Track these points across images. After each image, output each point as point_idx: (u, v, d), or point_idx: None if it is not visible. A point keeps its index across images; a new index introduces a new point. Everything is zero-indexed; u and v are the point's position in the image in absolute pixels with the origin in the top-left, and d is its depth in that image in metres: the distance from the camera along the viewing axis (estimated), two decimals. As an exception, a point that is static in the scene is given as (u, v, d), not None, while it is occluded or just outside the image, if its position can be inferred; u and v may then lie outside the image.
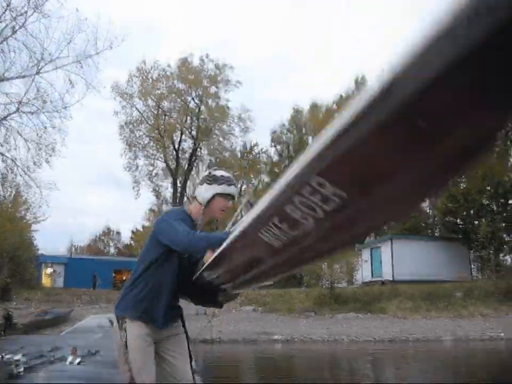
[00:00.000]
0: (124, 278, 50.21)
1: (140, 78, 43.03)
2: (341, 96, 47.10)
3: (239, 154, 53.28)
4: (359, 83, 46.24)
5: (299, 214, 1.49)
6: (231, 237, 2.33)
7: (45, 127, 22.46)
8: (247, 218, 1.99)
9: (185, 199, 48.42)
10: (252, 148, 55.02)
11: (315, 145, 1.26)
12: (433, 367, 14.48)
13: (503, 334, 21.23)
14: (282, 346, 19.66)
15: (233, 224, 3.05)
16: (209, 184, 3.26)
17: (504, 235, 36.51)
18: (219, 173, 3.32)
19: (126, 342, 3.10)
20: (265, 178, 55.25)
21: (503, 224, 35.79)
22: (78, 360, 8.40)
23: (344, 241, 1.84)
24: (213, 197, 3.25)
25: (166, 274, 3.23)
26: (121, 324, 3.15)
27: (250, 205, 3.47)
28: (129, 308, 3.17)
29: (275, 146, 53.74)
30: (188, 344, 3.46)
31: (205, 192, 3.26)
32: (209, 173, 3.31)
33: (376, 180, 1.22)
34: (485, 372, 13.43)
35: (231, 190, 3.31)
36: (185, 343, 3.38)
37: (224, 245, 2.43)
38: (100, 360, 8.99)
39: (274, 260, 2.13)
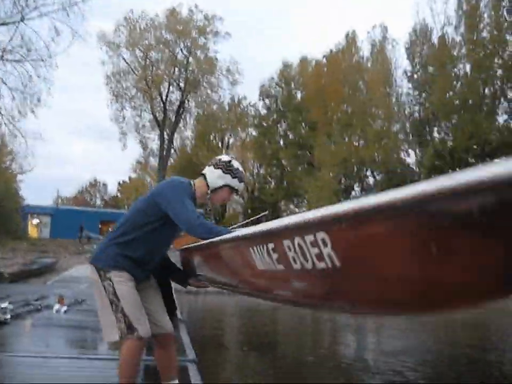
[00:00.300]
0: (110, 229, 50.28)
1: (128, 27, 42.21)
2: (331, 50, 46.50)
3: (227, 107, 52.79)
4: (349, 38, 45.65)
5: (291, 254, 1.57)
6: (226, 236, 2.44)
7: (30, 76, 22.13)
8: (249, 229, 2.11)
9: (172, 150, 48.15)
10: (240, 101, 54.46)
11: (344, 206, 1.33)
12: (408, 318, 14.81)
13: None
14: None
15: (239, 226, 3.13)
16: (224, 172, 3.29)
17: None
18: (236, 164, 3.35)
19: (114, 291, 3.07)
20: (253, 132, 54.93)
21: (488, 183, 36.10)
22: (64, 308, 8.50)
23: (309, 302, 1.90)
24: (222, 186, 3.30)
25: (161, 239, 3.26)
26: (104, 274, 3.12)
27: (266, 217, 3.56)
28: (116, 260, 3.13)
29: (263, 100, 53.24)
30: (172, 294, 3.52)
31: (217, 178, 3.29)
32: (229, 162, 3.33)
33: (370, 271, 1.29)
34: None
35: (241, 186, 3.38)
36: (159, 292, 3.43)
37: (218, 239, 2.51)
38: (86, 308, 9.10)
39: (248, 279, 2.22)
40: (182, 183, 3.29)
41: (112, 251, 3.17)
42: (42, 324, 7.39)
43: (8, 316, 7.16)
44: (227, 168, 3.29)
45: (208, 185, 3.30)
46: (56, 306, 8.52)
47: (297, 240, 1.50)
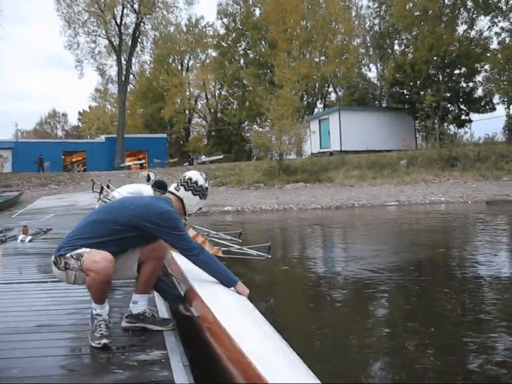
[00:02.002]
0: (74, 160, 49.72)
1: None
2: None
3: (184, 29, 51.37)
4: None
5: None
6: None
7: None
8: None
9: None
10: (197, 22, 53.02)
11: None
12: (374, 228, 15.32)
13: (443, 198, 22.41)
14: (233, 217, 20.27)
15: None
16: (201, 198, 3.49)
17: (449, 105, 37.27)
18: (205, 184, 3.52)
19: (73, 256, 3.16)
20: (213, 53, 53.83)
21: (448, 94, 36.39)
22: (29, 238, 8.53)
23: None
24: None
25: (128, 246, 3.31)
26: (61, 259, 3.24)
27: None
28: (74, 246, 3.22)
29: (221, 19, 51.89)
30: None
31: (196, 205, 3.50)
32: (203, 186, 3.49)
33: None
34: (424, 229, 14.30)
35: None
36: None
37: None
38: (52, 237, 9.13)
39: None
40: (175, 213, 3.31)
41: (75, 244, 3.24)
42: (7, 254, 7.43)
43: (-27, 248, 7.17)
44: (203, 193, 3.50)
45: (185, 211, 3.47)
46: (21, 236, 8.54)
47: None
